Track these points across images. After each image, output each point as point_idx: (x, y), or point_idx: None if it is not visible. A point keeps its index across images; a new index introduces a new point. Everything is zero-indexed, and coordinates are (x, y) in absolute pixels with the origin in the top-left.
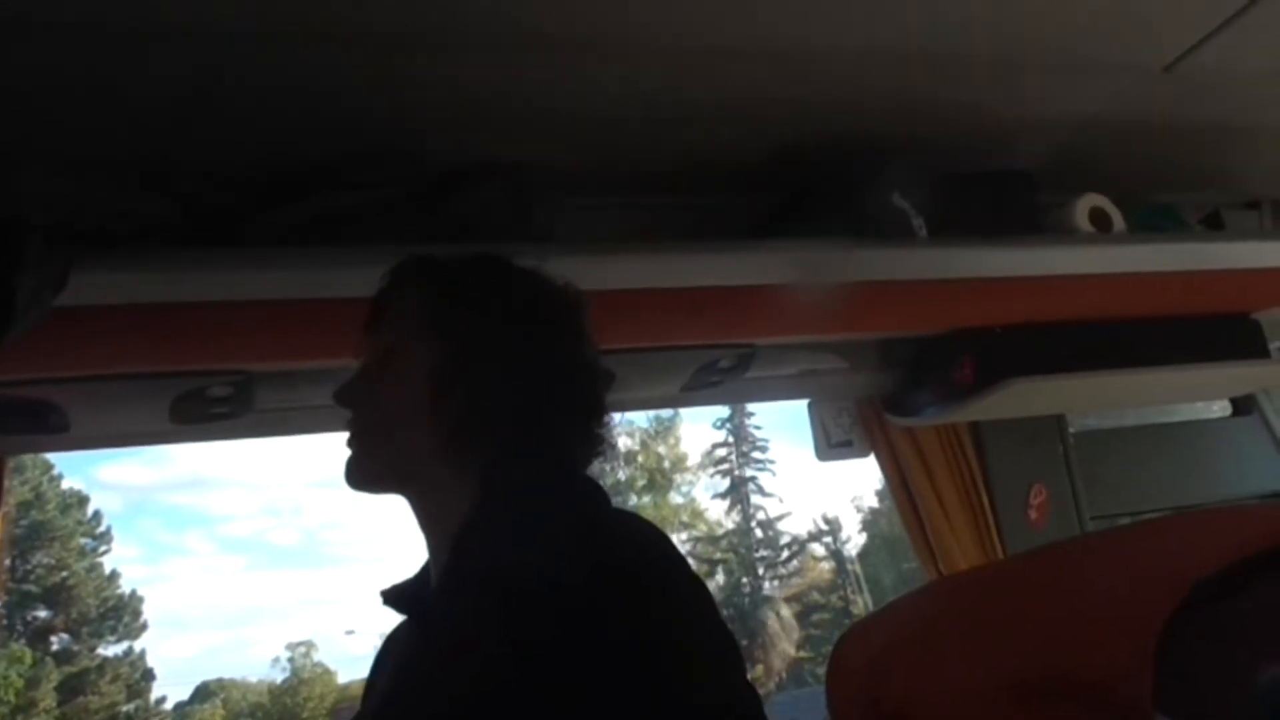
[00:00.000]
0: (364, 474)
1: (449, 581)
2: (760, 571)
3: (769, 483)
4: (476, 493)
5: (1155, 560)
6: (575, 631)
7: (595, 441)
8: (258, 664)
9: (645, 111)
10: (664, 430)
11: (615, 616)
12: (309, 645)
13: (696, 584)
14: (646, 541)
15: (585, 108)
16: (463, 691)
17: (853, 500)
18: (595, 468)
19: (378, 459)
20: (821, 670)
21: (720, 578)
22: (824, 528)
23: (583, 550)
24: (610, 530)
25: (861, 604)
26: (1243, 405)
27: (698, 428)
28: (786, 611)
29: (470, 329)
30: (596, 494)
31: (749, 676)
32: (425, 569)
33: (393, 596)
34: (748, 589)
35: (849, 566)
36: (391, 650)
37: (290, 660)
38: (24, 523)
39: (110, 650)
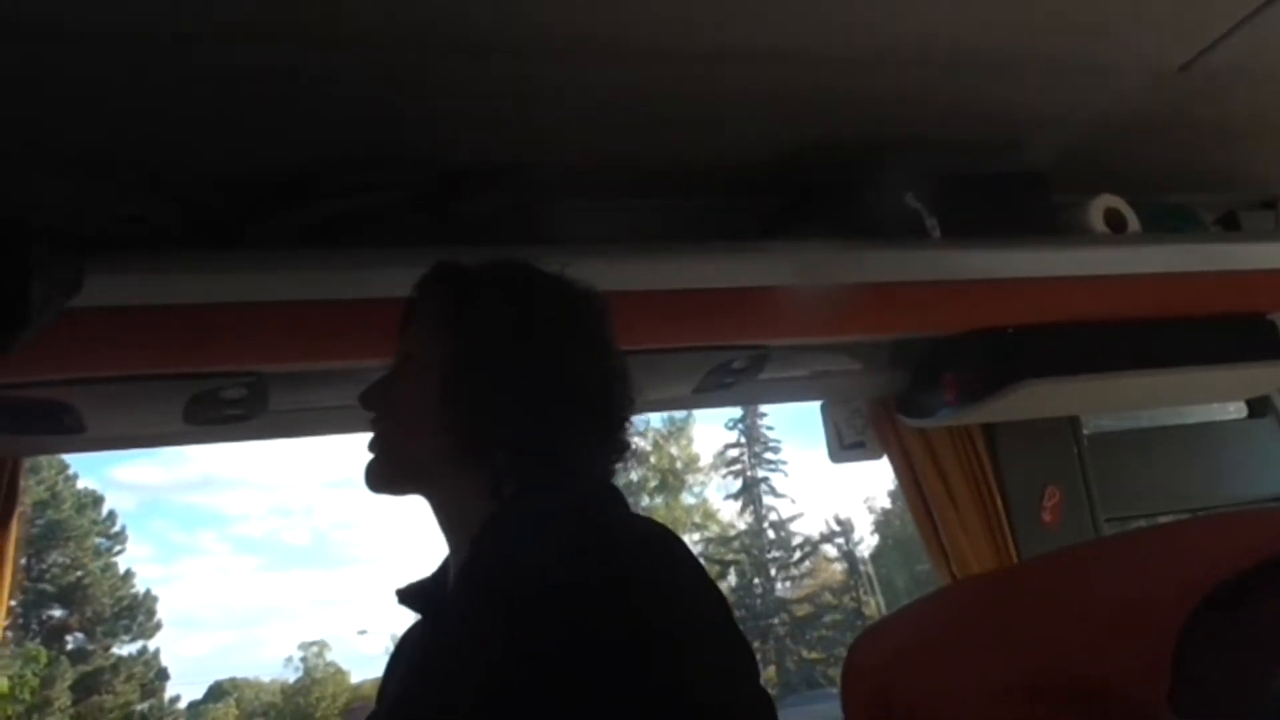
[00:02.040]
0: (381, 475)
1: (464, 582)
2: (772, 572)
3: (781, 484)
4: (488, 498)
5: (1170, 564)
6: (579, 633)
7: (615, 446)
8: (271, 663)
9: (657, 113)
10: (677, 431)
11: (618, 619)
12: (322, 645)
13: (708, 588)
14: (656, 545)
15: (595, 110)
16: (471, 691)
17: (865, 501)
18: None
19: (394, 460)
20: (833, 672)
21: (732, 579)
22: (836, 529)
23: (589, 553)
24: (619, 534)
25: (874, 605)
26: (1258, 407)
27: (710, 428)
28: None
29: (483, 332)
30: (611, 498)
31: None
32: (443, 569)
33: (408, 595)
34: (760, 590)
35: (861, 568)
36: (406, 649)
37: (303, 660)
38: (40, 522)
39: (125, 649)
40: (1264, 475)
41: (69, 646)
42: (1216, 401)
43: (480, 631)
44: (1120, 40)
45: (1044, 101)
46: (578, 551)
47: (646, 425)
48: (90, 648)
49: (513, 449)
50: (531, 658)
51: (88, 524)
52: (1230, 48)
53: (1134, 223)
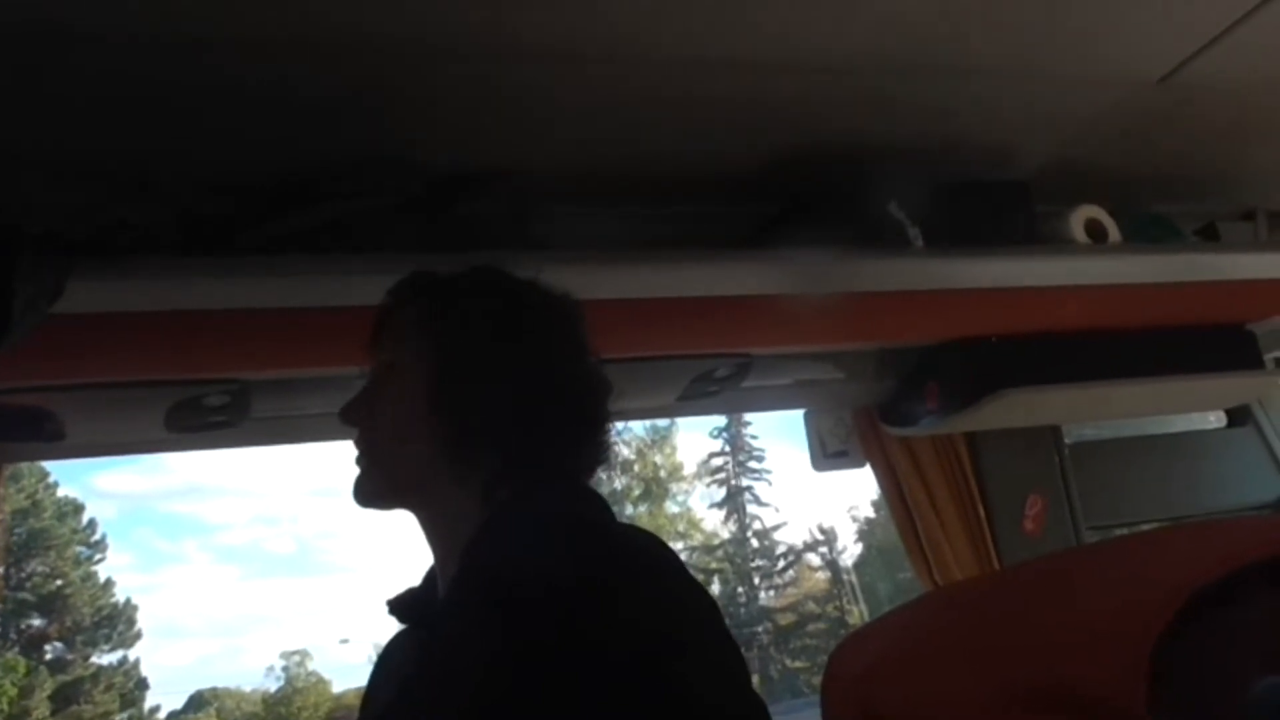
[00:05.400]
0: (370, 491)
1: (459, 587)
2: (756, 581)
3: (765, 492)
4: (479, 505)
5: (1150, 571)
6: (576, 636)
7: (597, 450)
8: (252, 673)
9: (642, 120)
10: (660, 439)
11: (615, 621)
12: (303, 654)
13: (697, 591)
14: (644, 549)
15: (581, 116)
16: (467, 699)
17: (849, 510)
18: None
19: (381, 475)
20: (818, 680)
21: (716, 587)
22: (820, 537)
23: (585, 557)
24: (607, 538)
25: (857, 614)
26: (1238, 416)
27: (694, 437)
28: None
29: (464, 342)
30: (597, 503)
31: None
32: (430, 579)
33: (398, 606)
34: (743, 599)
35: (845, 576)
36: (392, 659)
37: (285, 669)
38: (20, 530)
39: (104, 659)
40: (1244, 484)
41: (48, 656)
42: (1197, 411)
43: (477, 634)
44: (1100, 51)
45: (1025, 112)
46: (574, 555)
47: (626, 430)
48: (70, 657)
49: (505, 454)
50: (529, 660)
51: (68, 532)
52: (1209, 60)
53: (1114, 233)
